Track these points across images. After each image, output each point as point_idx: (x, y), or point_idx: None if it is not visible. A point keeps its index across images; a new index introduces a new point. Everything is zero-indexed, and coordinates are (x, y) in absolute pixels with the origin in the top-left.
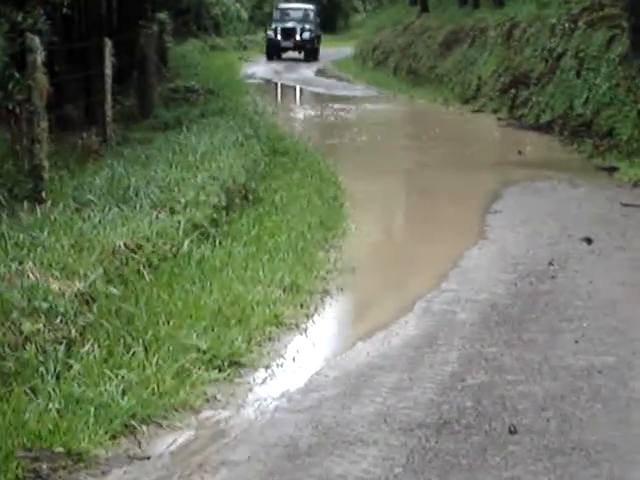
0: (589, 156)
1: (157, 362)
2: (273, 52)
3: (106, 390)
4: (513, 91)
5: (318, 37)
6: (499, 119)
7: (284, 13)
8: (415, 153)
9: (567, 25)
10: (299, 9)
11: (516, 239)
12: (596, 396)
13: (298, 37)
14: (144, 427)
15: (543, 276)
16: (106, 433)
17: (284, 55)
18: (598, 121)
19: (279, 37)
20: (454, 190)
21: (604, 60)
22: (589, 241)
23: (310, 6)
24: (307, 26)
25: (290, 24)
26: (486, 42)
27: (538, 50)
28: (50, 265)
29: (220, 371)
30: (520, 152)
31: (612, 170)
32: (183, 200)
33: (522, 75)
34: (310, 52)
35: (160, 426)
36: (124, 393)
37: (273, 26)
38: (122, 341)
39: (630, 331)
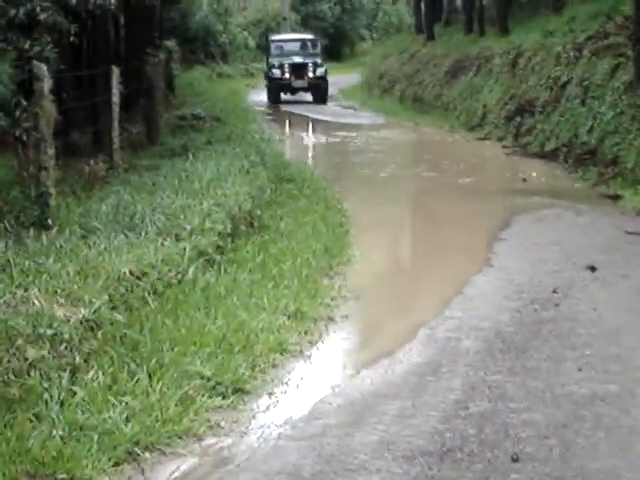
0: (594, 184)
1: (161, 389)
2: (279, 94)
3: (110, 417)
4: (518, 119)
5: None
6: (504, 147)
7: (284, 46)
8: (420, 180)
9: (572, 53)
10: (302, 40)
11: (520, 266)
12: (599, 424)
13: (311, 74)
14: (147, 454)
15: (547, 304)
16: (109, 460)
17: (290, 97)
18: (603, 149)
19: (287, 75)
20: (458, 217)
21: (609, 88)
22: (593, 269)
23: (312, 36)
24: (318, 60)
25: (298, 59)
26: (491, 70)
27: (543, 78)
28: (55, 292)
29: (224, 398)
30: (525, 180)
31: (616, 198)
32: (188, 227)
33: (527, 103)
34: (322, 91)
35: (163, 453)
36: (128, 420)
37: (275, 62)
38: (126, 368)
39: (633, 359)
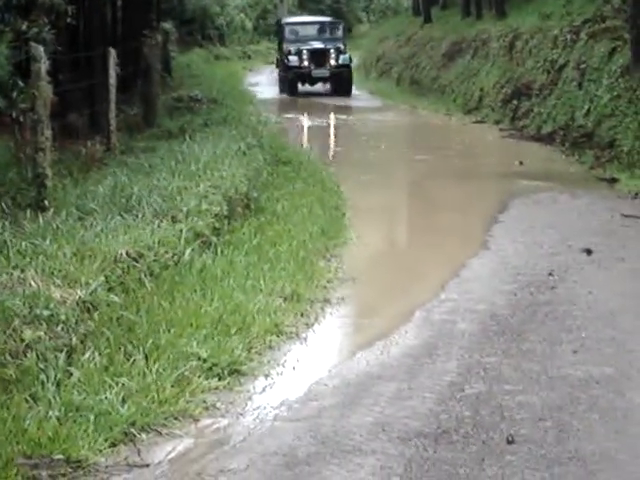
0: (590, 167)
1: (157, 370)
2: (295, 85)
3: (106, 398)
4: (515, 102)
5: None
6: (501, 130)
7: (300, 30)
8: (416, 163)
9: (569, 37)
10: (321, 23)
11: (516, 249)
12: (594, 407)
13: (333, 62)
14: (143, 435)
15: (543, 286)
16: (106, 441)
17: (308, 88)
18: (599, 132)
19: (306, 63)
20: (455, 200)
21: (605, 72)
22: (589, 252)
23: (332, 19)
24: (340, 46)
25: (318, 44)
26: (488, 53)
27: (540, 61)
28: (52, 273)
29: (220, 379)
30: (521, 163)
31: (613, 181)
32: (185, 209)
33: (524, 86)
34: (345, 82)
35: (159, 434)
36: (124, 401)
37: (290, 48)
38: (123, 349)
39: (629, 342)
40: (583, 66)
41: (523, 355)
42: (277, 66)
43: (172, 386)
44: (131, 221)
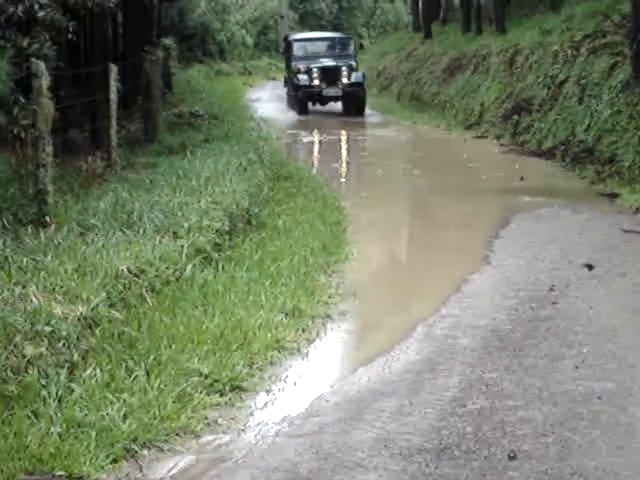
0: (591, 182)
1: (159, 386)
2: (306, 105)
3: (108, 414)
4: (515, 117)
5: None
6: (501, 145)
7: (309, 47)
8: (417, 179)
9: (569, 52)
10: (331, 39)
11: (518, 265)
12: (595, 422)
13: (345, 80)
14: (145, 451)
15: (544, 302)
16: (107, 457)
17: (318, 107)
18: (600, 147)
19: (316, 82)
20: (456, 216)
21: (606, 87)
22: (590, 267)
23: (343, 34)
24: (352, 63)
25: (329, 62)
26: (489, 68)
27: (540, 77)
28: (53, 289)
29: (221, 395)
30: (522, 178)
31: (614, 196)
32: (186, 225)
33: (524, 101)
34: (358, 102)
35: (161, 450)
36: (125, 417)
37: (300, 66)
38: (124, 365)
39: (630, 357)
40: (583, 81)
41: (525, 370)
42: (285, 84)
43: (173, 402)
44: (132, 237)
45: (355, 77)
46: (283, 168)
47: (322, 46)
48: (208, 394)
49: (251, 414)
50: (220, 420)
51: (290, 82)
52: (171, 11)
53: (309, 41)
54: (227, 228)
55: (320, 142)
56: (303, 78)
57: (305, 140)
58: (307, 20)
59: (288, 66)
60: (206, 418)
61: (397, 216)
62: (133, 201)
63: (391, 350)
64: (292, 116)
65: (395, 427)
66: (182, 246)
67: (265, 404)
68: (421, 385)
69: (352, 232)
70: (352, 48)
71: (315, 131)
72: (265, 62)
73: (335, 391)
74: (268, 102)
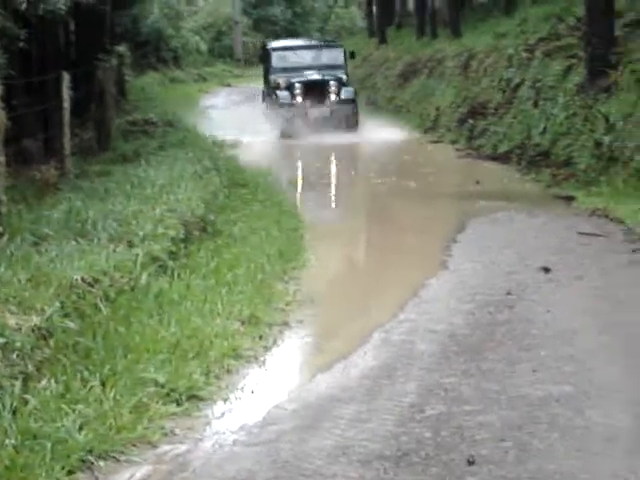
0: (547, 185)
1: (114, 396)
2: (290, 126)
3: (63, 425)
4: (471, 121)
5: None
6: (457, 149)
7: (291, 56)
8: (372, 184)
9: (524, 55)
10: (317, 47)
11: (474, 269)
12: (554, 425)
13: (334, 97)
14: (101, 462)
15: (501, 306)
16: (63, 469)
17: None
18: (555, 151)
19: (299, 99)
20: (412, 221)
21: (561, 90)
22: (547, 270)
23: (332, 41)
24: (342, 76)
25: (314, 74)
26: (444, 73)
27: (495, 80)
28: (7, 300)
29: (178, 405)
30: (478, 182)
31: (570, 199)
32: (141, 233)
33: (480, 105)
34: (351, 121)
35: (117, 461)
36: (81, 428)
37: (280, 80)
38: (79, 376)
39: (587, 360)
40: (538, 84)
41: (482, 375)
42: (263, 100)
43: (130, 412)
44: (86, 246)
45: (345, 93)
46: (239, 175)
47: (306, 56)
48: (165, 404)
49: (208, 423)
50: (177, 430)
51: (268, 99)
52: (124, 18)
53: (291, 50)
54: (182, 236)
55: (272, 147)
56: (283, 95)
57: (259, 148)
58: (261, 26)
59: (266, 79)
60: (163, 428)
61: (354, 222)
62: (87, 210)
63: (349, 356)
64: (247, 121)
65: (353, 434)
66: (137, 255)
67: (222, 413)
68: (379, 391)
69: (309, 239)
70: (341, 57)
71: (268, 137)
72: (220, 69)
73: (293, 399)
74: (222, 109)
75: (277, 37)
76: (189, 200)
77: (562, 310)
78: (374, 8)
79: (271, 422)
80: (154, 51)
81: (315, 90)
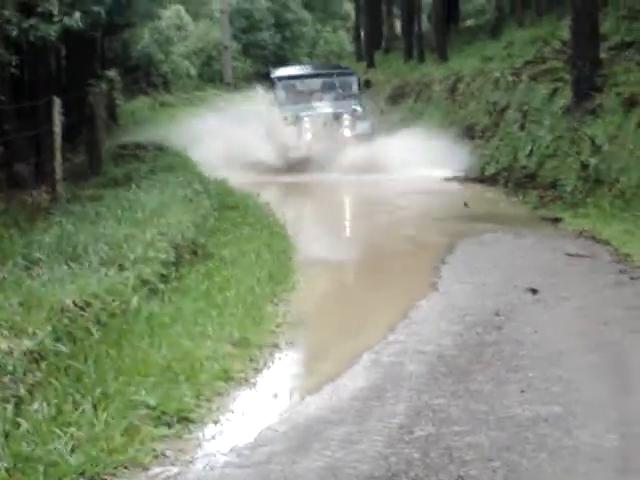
0: (534, 207)
1: (106, 419)
2: (300, 163)
3: (55, 448)
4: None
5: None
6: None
7: (299, 86)
8: (361, 207)
9: (510, 78)
10: (329, 75)
11: (463, 290)
12: (542, 446)
13: (348, 132)
14: None
15: (489, 327)
16: None
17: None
18: (542, 173)
19: (309, 135)
20: (401, 242)
21: (547, 112)
22: (534, 291)
23: (343, 67)
24: (357, 107)
25: (325, 107)
26: (431, 96)
27: (482, 103)
28: None
29: (169, 427)
30: (466, 204)
31: (556, 221)
32: (132, 256)
33: (467, 128)
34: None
35: None
36: (73, 451)
37: (286, 113)
38: (71, 399)
39: (575, 381)
40: (525, 107)
41: (471, 396)
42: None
43: (121, 435)
44: (78, 270)
45: (361, 127)
46: (229, 197)
47: (316, 85)
48: (156, 426)
49: (199, 445)
50: (168, 452)
51: (275, 132)
52: (115, 43)
53: (299, 79)
54: (173, 259)
55: (260, 176)
56: (291, 131)
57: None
58: (250, 50)
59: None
60: (154, 450)
61: (344, 244)
62: (78, 234)
63: (338, 378)
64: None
65: (343, 455)
66: (128, 278)
67: (213, 435)
68: (369, 412)
69: (298, 261)
70: (355, 86)
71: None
72: (210, 93)
73: (283, 420)
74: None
75: (267, 62)
76: (180, 223)
77: (550, 331)
78: (362, 32)
79: (262, 444)
80: (144, 76)
81: (327, 125)
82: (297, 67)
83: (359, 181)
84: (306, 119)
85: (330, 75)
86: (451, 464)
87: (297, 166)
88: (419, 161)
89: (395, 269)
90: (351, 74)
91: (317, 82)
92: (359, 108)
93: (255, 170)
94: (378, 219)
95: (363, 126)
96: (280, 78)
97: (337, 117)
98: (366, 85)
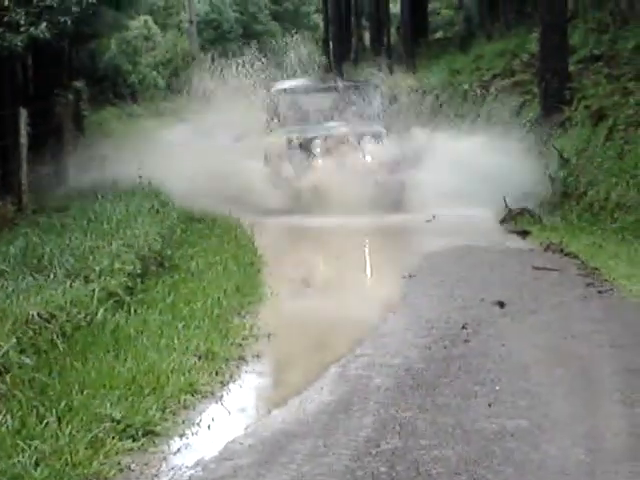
0: (502, 221)
1: (70, 432)
2: (305, 200)
3: (19, 461)
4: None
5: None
6: None
7: (305, 102)
8: (325, 218)
9: (479, 91)
10: (345, 87)
11: (430, 303)
12: (508, 460)
13: (369, 157)
14: None
15: (457, 340)
16: None
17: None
18: None
19: (320, 162)
20: (368, 256)
21: (516, 125)
22: (502, 305)
23: (362, 81)
24: (379, 129)
25: (339, 126)
26: (400, 109)
27: (451, 116)
28: None
29: (134, 440)
30: (433, 217)
31: (524, 234)
32: (98, 268)
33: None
34: (391, 191)
35: None
36: (37, 464)
37: (291, 135)
38: (35, 411)
39: (542, 394)
40: (493, 120)
41: (438, 409)
42: (266, 164)
43: (86, 448)
44: (43, 281)
45: (386, 152)
46: (196, 209)
47: (326, 101)
48: (121, 439)
49: (164, 459)
50: (133, 465)
51: (273, 162)
52: (82, 53)
53: (305, 94)
54: (139, 271)
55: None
56: (295, 156)
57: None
58: None
59: (270, 132)
60: (119, 464)
61: (310, 257)
62: (44, 245)
63: (305, 391)
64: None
65: (309, 469)
66: (93, 290)
67: (179, 448)
68: (335, 426)
69: (266, 273)
70: (377, 101)
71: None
72: (177, 104)
73: (249, 434)
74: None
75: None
76: (146, 235)
77: (517, 344)
78: (331, 44)
79: (227, 457)
80: (112, 86)
81: (341, 150)
82: (302, 81)
83: (386, 227)
84: (316, 142)
85: (345, 87)
86: (417, 478)
87: (303, 204)
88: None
89: (362, 281)
90: (371, 86)
91: (327, 98)
92: (382, 129)
93: (245, 206)
94: (342, 229)
95: (388, 150)
96: (283, 92)
97: (355, 139)
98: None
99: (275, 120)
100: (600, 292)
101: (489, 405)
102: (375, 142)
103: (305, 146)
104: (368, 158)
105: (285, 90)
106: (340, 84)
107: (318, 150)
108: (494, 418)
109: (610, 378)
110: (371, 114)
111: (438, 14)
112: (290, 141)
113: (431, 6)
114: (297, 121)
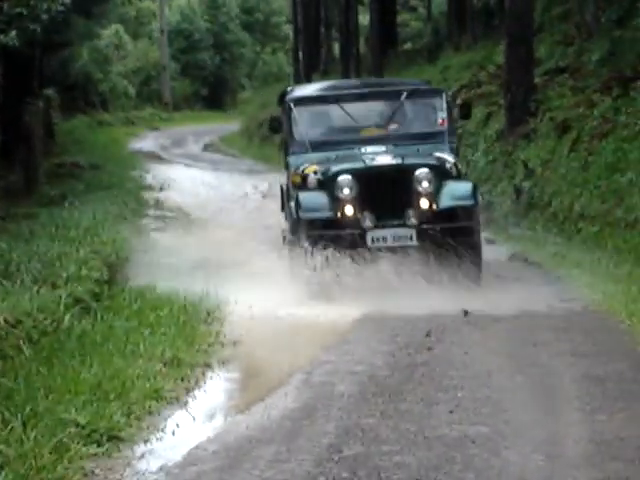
0: None
1: (35, 437)
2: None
3: None
4: None
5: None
6: None
7: (336, 115)
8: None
9: None
10: (393, 95)
11: (396, 311)
12: (469, 466)
13: (426, 204)
14: None
15: (420, 347)
16: None
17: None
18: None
19: (349, 210)
20: None
21: (482, 136)
22: (465, 313)
23: (424, 85)
24: (446, 157)
25: (383, 155)
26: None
27: None
28: None
29: (99, 446)
30: None
31: (489, 243)
32: (65, 274)
33: None
34: (465, 256)
35: None
36: (2, 468)
37: (312, 167)
38: (0, 416)
39: (503, 401)
40: (459, 131)
41: (401, 416)
42: (282, 207)
43: (50, 453)
44: (10, 287)
45: (456, 194)
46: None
47: (365, 113)
48: (85, 444)
49: (128, 464)
50: (97, 470)
51: (288, 203)
52: (53, 61)
53: (334, 102)
54: (106, 277)
55: (203, 190)
56: (312, 201)
57: (190, 188)
58: (189, 71)
59: (286, 163)
60: (83, 469)
61: (280, 265)
62: (11, 252)
63: (269, 398)
64: (173, 167)
65: (272, 474)
66: (60, 296)
67: (143, 454)
68: (299, 432)
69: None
70: (442, 115)
71: (198, 184)
72: (148, 112)
73: (213, 440)
74: (150, 151)
75: (206, 82)
76: (114, 242)
77: (480, 352)
78: (300, 54)
79: (191, 463)
80: (82, 94)
81: (386, 190)
82: (330, 83)
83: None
84: (344, 178)
85: (393, 94)
86: None
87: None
88: None
89: None
90: (433, 93)
91: (367, 107)
92: (450, 157)
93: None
94: None
95: (460, 190)
96: (300, 101)
97: (404, 175)
98: (463, 115)
99: (294, 145)
100: (562, 301)
101: (451, 412)
102: (438, 180)
103: (326, 185)
104: (423, 202)
105: (302, 98)
106: (397, 86)
107: (346, 193)
108: (456, 424)
109: (570, 385)
110: (433, 134)
111: (407, 26)
112: (304, 178)
113: (400, 18)
114: (317, 145)
